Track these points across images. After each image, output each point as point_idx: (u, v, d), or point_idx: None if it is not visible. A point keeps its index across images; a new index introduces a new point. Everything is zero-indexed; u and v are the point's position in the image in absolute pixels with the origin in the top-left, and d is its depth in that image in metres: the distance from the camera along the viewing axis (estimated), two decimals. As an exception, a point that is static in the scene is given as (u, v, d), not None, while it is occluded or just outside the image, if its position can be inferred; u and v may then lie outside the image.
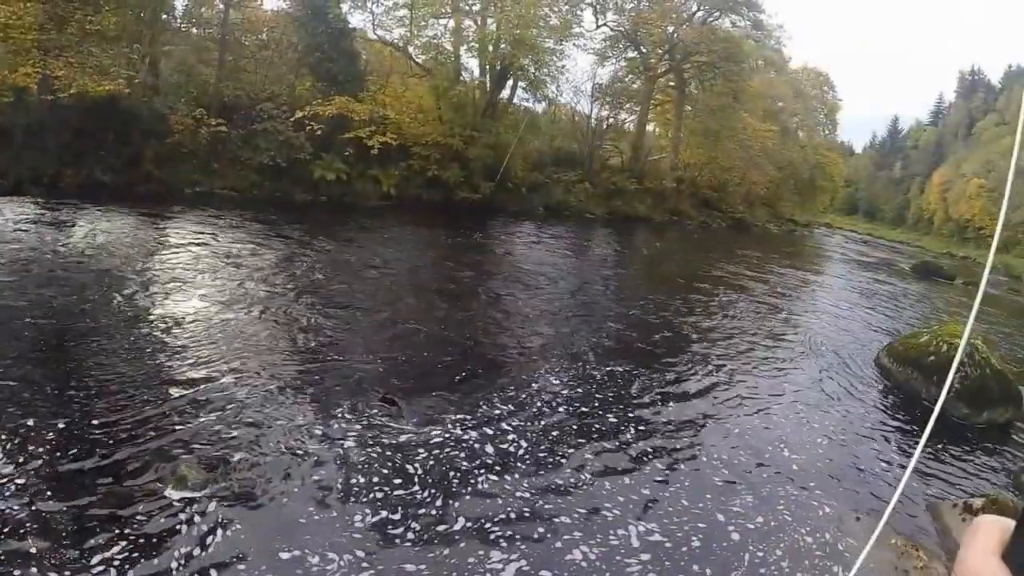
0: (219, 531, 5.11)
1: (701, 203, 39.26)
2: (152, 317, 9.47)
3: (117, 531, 4.92)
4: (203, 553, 4.86)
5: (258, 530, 5.19)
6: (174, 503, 5.35)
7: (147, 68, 21.98)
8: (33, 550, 4.58)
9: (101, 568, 4.54)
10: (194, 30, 25.89)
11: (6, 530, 4.73)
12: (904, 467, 8.24)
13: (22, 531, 4.75)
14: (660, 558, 5.63)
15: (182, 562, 4.73)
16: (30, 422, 6.08)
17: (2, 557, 4.48)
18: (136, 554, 4.72)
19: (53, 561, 4.54)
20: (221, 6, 24.25)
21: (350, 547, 5.13)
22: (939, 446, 9.13)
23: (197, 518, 5.22)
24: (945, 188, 68.46)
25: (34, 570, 4.42)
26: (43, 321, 8.63)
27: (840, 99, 54.99)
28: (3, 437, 5.77)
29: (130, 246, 12.98)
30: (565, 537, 5.70)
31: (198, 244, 14.07)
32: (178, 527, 5.09)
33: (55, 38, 17.76)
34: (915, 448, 8.93)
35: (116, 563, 4.61)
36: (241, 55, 25.39)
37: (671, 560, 5.63)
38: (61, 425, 6.12)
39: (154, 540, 4.91)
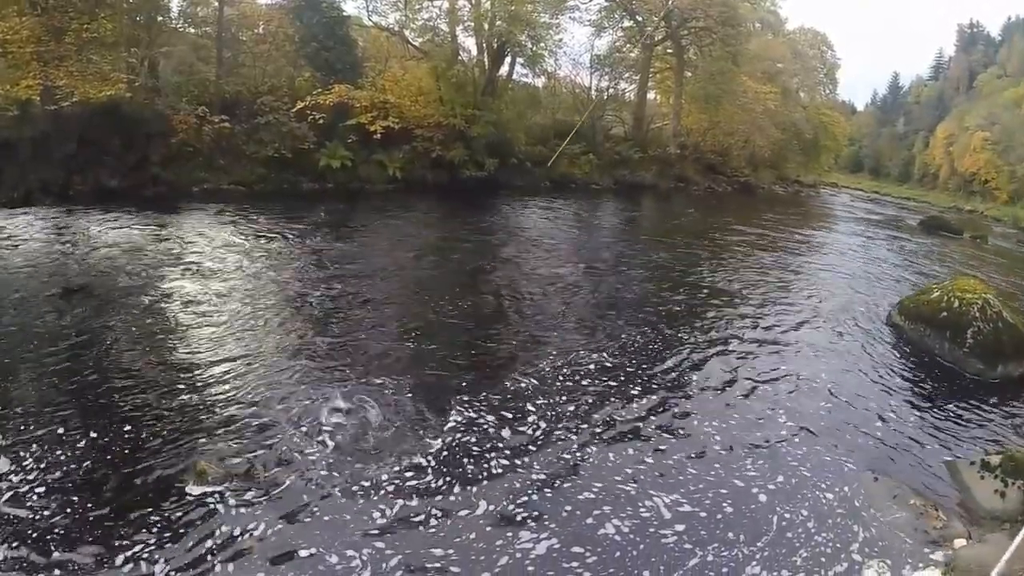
0: (238, 526, 5.25)
1: (706, 168, 38.96)
2: (173, 318, 9.68)
3: (140, 526, 5.13)
4: (223, 549, 5.00)
5: (277, 525, 5.32)
6: (194, 498, 5.50)
7: (147, 71, 21.99)
8: (57, 553, 4.81)
9: (127, 564, 4.76)
10: (191, 29, 25.77)
11: (37, 528, 4.98)
12: (919, 425, 8.35)
13: (50, 529, 4.99)
14: (695, 527, 5.75)
15: (202, 558, 4.89)
16: (60, 430, 6.31)
17: (32, 553, 4.74)
18: (158, 549, 4.92)
19: (79, 557, 4.78)
20: (216, 3, 24.10)
21: (373, 539, 5.25)
22: (954, 403, 9.22)
23: (216, 513, 5.37)
24: (949, 142, 67.33)
25: (58, 572, 4.65)
26: (67, 329, 8.85)
27: (839, 58, 53.90)
28: (34, 444, 6.02)
29: (144, 248, 13.12)
30: (595, 512, 5.80)
31: (211, 241, 14.21)
32: (198, 522, 5.25)
33: (53, 49, 17.69)
34: (930, 405, 9.04)
35: (142, 557, 4.83)
36: (239, 51, 25.29)
37: (706, 529, 5.75)
38: (93, 434, 6.32)
39: (175, 535, 5.08)
